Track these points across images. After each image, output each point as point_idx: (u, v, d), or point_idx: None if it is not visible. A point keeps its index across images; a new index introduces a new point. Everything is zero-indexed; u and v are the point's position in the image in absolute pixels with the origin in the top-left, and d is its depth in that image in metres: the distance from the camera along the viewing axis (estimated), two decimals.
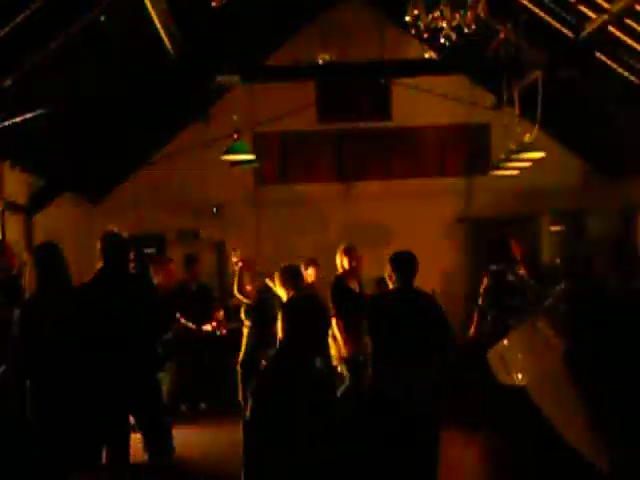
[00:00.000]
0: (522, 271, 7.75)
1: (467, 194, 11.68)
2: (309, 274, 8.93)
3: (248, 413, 3.72)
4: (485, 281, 7.65)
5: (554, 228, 11.66)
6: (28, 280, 5.13)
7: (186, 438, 7.26)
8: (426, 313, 4.92)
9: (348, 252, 8.17)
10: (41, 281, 4.97)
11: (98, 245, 5.58)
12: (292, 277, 6.93)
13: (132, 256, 5.75)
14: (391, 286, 5.65)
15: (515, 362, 0.75)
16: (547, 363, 0.70)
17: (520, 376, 0.75)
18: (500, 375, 0.80)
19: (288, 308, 3.89)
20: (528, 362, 0.74)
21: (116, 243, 5.56)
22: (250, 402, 3.72)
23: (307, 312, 3.77)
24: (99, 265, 5.58)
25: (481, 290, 7.64)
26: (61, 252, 5.19)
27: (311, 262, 9.15)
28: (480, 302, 7.56)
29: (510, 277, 7.45)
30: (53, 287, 4.99)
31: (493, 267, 7.61)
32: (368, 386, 2.53)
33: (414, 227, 11.54)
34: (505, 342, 0.79)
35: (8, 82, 6.27)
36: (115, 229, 5.70)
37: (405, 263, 5.66)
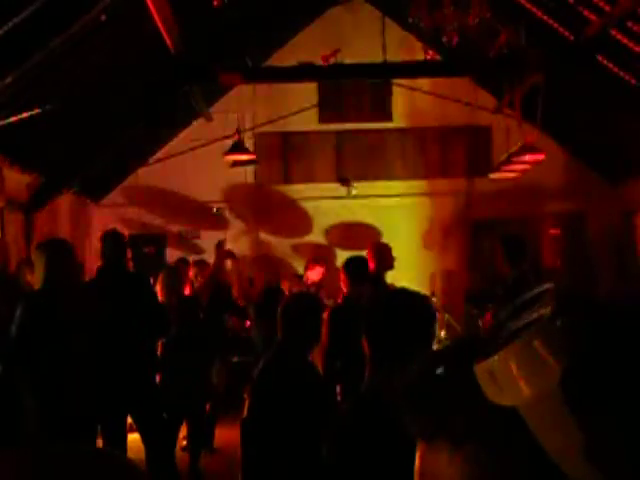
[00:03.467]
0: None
1: (468, 196, 11.67)
2: (314, 272, 8.79)
3: (245, 411, 3.72)
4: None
5: (554, 231, 11.67)
6: (34, 276, 5.04)
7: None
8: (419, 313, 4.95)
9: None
10: (47, 277, 4.87)
11: (99, 244, 5.61)
12: None
13: (129, 255, 5.77)
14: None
15: (507, 380, 0.70)
16: (543, 386, 0.66)
17: (512, 396, 0.71)
18: (489, 392, 0.76)
19: (284, 307, 3.92)
20: (522, 382, 0.70)
21: (114, 242, 5.57)
22: (247, 401, 3.73)
23: (301, 310, 3.78)
24: (100, 264, 5.60)
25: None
26: (70, 249, 5.11)
27: (317, 260, 9.03)
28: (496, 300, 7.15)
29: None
30: (58, 284, 4.91)
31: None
32: (365, 386, 2.51)
33: (415, 228, 11.55)
34: (495, 358, 0.75)
35: (8, 80, 6.27)
36: (116, 228, 5.73)
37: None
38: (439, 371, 0.62)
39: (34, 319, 4.72)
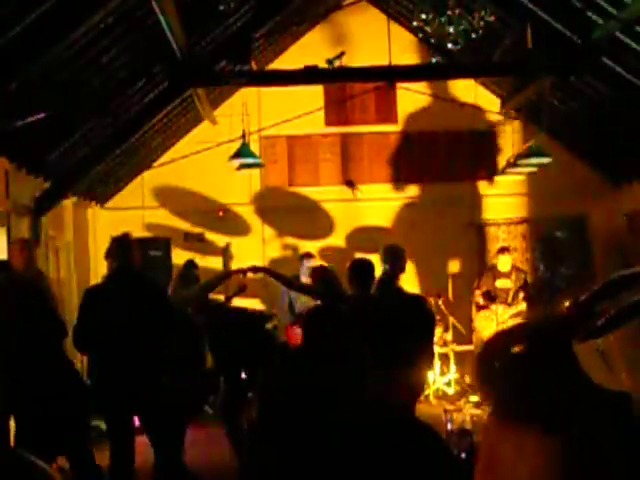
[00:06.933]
0: None
1: (473, 199, 11.66)
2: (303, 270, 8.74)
3: (254, 415, 3.72)
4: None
5: (559, 233, 11.63)
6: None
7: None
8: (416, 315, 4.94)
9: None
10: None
11: (105, 247, 5.63)
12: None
13: (139, 258, 5.77)
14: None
15: (621, 362, 0.69)
16: None
17: (626, 379, 0.69)
18: (596, 373, 0.74)
19: (307, 319, 3.89)
20: (626, 371, 0.68)
21: (123, 245, 5.58)
22: (256, 405, 3.73)
23: (322, 322, 3.77)
24: (108, 267, 5.62)
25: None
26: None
27: (307, 255, 8.96)
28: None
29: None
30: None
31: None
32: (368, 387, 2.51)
33: (420, 232, 11.53)
34: (605, 337, 0.73)
35: (14, 85, 6.28)
36: (126, 232, 5.76)
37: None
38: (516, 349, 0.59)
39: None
